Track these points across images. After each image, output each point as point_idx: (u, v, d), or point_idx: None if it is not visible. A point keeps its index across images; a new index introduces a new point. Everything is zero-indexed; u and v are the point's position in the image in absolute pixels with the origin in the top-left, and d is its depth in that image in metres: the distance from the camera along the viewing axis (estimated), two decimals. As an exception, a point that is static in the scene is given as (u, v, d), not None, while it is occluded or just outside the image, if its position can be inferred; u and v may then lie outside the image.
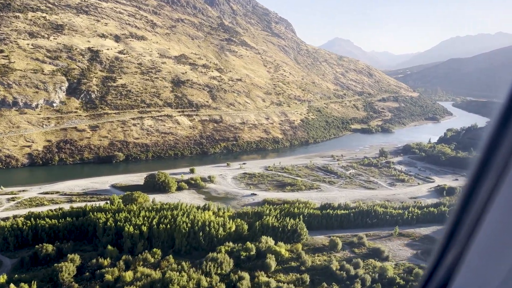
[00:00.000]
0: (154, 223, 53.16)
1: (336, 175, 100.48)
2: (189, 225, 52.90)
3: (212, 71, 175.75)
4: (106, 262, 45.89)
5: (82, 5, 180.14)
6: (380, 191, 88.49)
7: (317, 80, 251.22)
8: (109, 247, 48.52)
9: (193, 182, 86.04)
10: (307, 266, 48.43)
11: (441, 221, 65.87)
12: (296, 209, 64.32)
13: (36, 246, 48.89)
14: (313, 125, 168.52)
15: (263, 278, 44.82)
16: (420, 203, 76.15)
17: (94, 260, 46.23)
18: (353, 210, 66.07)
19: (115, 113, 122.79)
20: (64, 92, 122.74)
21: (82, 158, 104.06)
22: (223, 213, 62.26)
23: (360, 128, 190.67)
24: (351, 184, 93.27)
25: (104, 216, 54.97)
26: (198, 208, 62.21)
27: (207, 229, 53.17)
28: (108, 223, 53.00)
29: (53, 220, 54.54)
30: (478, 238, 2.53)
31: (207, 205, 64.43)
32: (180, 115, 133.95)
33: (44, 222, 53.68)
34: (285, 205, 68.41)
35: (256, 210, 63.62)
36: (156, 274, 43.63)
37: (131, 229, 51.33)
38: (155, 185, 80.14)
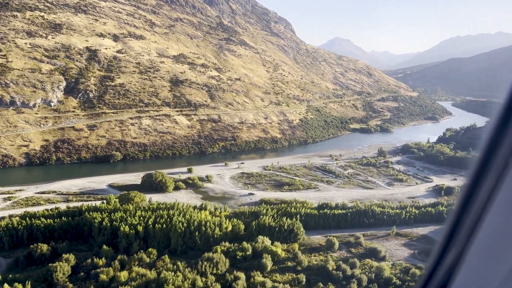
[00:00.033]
0: (150, 222, 52.91)
1: (334, 175, 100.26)
2: (185, 224, 52.66)
3: (210, 71, 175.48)
4: (101, 262, 45.67)
5: (80, 5, 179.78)
6: (378, 191, 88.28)
7: (316, 80, 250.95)
8: (104, 247, 48.28)
9: (190, 181, 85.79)
10: (304, 266, 48.18)
11: (439, 221, 65.67)
12: (293, 208, 64.08)
13: (31, 246, 48.64)
14: (312, 125, 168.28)
15: (259, 278, 44.58)
16: (418, 203, 75.92)
17: (89, 260, 46.00)
18: (350, 209, 65.84)
19: (113, 113, 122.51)
20: (62, 91, 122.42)
21: (80, 158, 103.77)
22: (220, 212, 62.03)
23: (359, 128, 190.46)
24: (349, 184, 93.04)
25: (100, 215, 54.71)
26: (194, 207, 61.97)
27: (203, 228, 52.93)
28: (104, 223, 52.73)
29: (48, 220, 54.28)
30: (478, 238, 2.51)
31: (203, 205, 64.19)
32: (178, 115, 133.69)
33: (40, 222, 53.42)
34: (282, 204, 68.19)
35: (253, 210, 63.39)
36: (151, 274, 43.40)
37: (127, 228, 51.08)
38: (152, 185, 79.89)
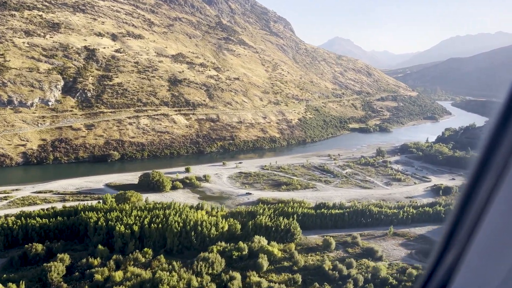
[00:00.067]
0: (145, 222, 52.68)
1: (333, 175, 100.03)
2: (181, 224, 52.44)
3: (209, 70, 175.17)
4: (96, 261, 45.46)
5: (79, 4, 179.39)
6: (376, 191, 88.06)
7: (315, 79, 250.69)
8: (100, 246, 48.05)
9: (188, 181, 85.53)
10: (300, 266, 48.00)
11: (437, 221, 65.47)
12: (290, 208, 63.88)
13: (26, 245, 48.41)
14: (311, 124, 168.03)
15: (254, 278, 44.36)
16: (416, 202, 75.72)
17: (84, 260, 45.79)
18: (347, 209, 65.64)
19: (111, 112, 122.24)
20: (59, 90, 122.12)
21: (77, 157, 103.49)
22: (217, 212, 61.84)
23: (358, 128, 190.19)
24: (347, 184, 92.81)
25: (96, 215, 54.48)
26: (191, 207, 61.75)
27: (199, 228, 52.70)
28: (99, 223, 52.50)
29: (44, 220, 54.05)
30: (478, 238, 2.52)
31: (200, 205, 63.94)
32: (176, 114, 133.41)
33: (35, 222, 53.19)
34: (280, 204, 67.97)
35: (249, 210, 63.16)
36: (146, 274, 43.17)
37: (122, 228, 50.86)
38: (149, 184, 79.64)
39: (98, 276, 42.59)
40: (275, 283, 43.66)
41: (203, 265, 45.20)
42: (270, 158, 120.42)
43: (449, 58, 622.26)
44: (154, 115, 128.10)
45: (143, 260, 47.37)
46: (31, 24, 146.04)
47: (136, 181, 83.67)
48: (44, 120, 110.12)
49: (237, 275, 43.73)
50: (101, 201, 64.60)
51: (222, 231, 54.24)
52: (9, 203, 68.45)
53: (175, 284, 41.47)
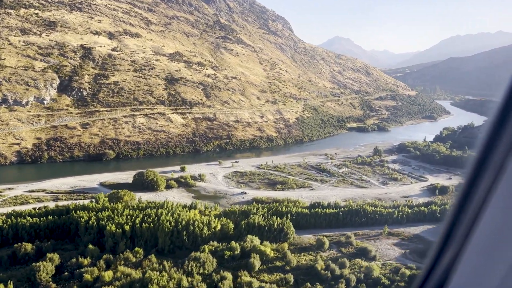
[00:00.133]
0: (137, 222, 52.17)
1: (329, 174, 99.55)
2: (172, 224, 51.92)
3: (206, 69, 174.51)
4: (86, 261, 44.95)
5: (75, 2, 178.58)
6: (372, 190, 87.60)
7: (313, 79, 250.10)
8: (90, 246, 47.56)
9: (183, 180, 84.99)
10: (292, 265, 47.53)
11: (432, 220, 65.06)
12: (284, 208, 63.40)
13: (15, 245, 47.90)
14: (308, 124, 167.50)
15: (246, 278, 43.89)
16: (412, 202, 75.24)
17: (74, 260, 45.27)
18: (342, 209, 65.18)
19: (106, 111, 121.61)
20: (55, 89, 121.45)
21: (72, 156, 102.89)
22: (210, 212, 61.36)
23: (356, 127, 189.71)
24: (343, 183, 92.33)
25: (87, 214, 53.96)
26: (184, 206, 61.24)
27: (191, 228, 52.20)
28: (90, 222, 52.00)
29: (34, 219, 53.49)
30: (476, 237, 2.54)
31: (193, 204, 63.44)
32: (173, 113, 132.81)
33: (25, 221, 52.62)
34: (274, 204, 67.47)
35: (243, 209, 62.66)
36: (136, 274, 42.68)
37: (113, 228, 50.34)
38: (143, 184, 79.11)
39: (87, 276, 42.11)
40: (267, 283, 43.19)
41: (194, 265, 44.74)
42: (266, 157, 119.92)
43: (449, 58, 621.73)
44: (150, 114, 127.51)
45: (134, 259, 46.86)
46: (27, 22, 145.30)
47: (130, 180, 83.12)
48: (39, 119, 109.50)
49: (228, 275, 43.26)
50: (93, 200, 64.05)
51: (215, 230, 53.75)
52: (1, 202, 67.90)
53: (165, 284, 40.99)
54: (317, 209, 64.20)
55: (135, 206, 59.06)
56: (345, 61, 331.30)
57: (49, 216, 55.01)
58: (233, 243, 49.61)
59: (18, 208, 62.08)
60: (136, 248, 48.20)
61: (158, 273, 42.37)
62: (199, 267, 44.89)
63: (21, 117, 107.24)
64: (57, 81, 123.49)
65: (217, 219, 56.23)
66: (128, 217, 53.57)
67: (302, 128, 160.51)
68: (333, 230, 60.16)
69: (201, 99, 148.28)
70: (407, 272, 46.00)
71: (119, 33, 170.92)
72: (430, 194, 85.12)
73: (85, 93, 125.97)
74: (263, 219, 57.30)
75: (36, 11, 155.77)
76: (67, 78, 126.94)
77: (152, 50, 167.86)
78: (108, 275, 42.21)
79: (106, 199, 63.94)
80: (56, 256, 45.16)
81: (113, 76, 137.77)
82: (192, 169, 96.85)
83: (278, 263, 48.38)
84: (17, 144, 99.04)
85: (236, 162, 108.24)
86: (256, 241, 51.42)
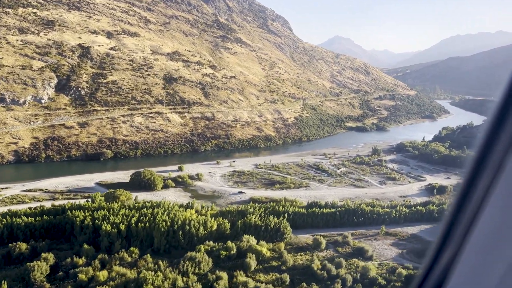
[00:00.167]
0: (133, 221, 51.93)
1: (327, 173, 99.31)
2: (168, 223, 51.68)
3: (205, 68, 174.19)
4: (81, 261, 44.72)
5: (74, 1, 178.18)
6: (370, 190, 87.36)
7: (313, 78, 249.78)
8: (85, 245, 47.31)
9: (180, 180, 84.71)
10: (288, 265, 47.30)
11: (429, 220, 64.85)
12: (281, 207, 63.16)
13: (10, 244, 47.64)
14: (307, 123, 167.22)
15: (241, 278, 43.66)
16: (409, 201, 75.01)
17: (69, 259, 45.05)
18: (339, 208, 64.95)
19: (104, 110, 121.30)
20: (53, 88, 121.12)
21: (70, 155, 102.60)
22: (206, 211, 61.11)
23: (355, 126, 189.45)
24: (341, 182, 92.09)
25: (83, 214, 53.71)
26: (181, 206, 60.98)
27: (187, 227, 51.95)
28: (86, 221, 51.74)
29: (30, 218, 53.23)
30: (475, 236, 2.54)
31: (190, 203, 63.18)
32: (171, 112, 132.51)
33: (20, 220, 52.34)
34: (271, 203, 67.21)
35: (240, 209, 62.42)
36: (131, 274, 42.46)
37: (109, 227, 50.10)
38: (140, 183, 78.83)
39: (82, 276, 41.87)
40: (262, 283, 42.96)
41: (190, 264, 44.49)
42: (265, 156, 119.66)
43: (448, 57, 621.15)
44: (148, 113, 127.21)
45: (129, 259, 46.63)
46: (25, 21, 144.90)
47: (127, 180, 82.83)
48: (36, 118, 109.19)
49: (224, 275, 43.04)
50: (89, 199, 63.78)
51: (211, 230, 53.51)
52: (-3, 202, 67.59)
53: (160, 284, 40.76)
54: (314, 209, 63.96)
55: (131, 206, 58.80)
56: (344, 60, 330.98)
57: (44, 215, 54.76)
58: (229, 243, 49.36)
59: (14, 207, 61.76)
60: (132, 248, 47.98)
61: (153, 273, 42.15)
62: (194, 267, 44.64)
63: (19, 116, 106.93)
64: (55, 80, 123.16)
65: (213, 218, 56.00)
66: (124, 216, 53.32)
67: (301, 127, 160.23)
68: (330, 230, 59.92)
69: (199, 99, 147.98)
70: (404, 272, 45.78)
71: (118, 32, 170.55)
72: (428, 194, 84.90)
73: (83, 92, 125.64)
74: (259, 218, 57.06)
75: (34, 10, 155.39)
76: (65, 77, 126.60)
77: (150, 50, 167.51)
78: (102, 275, 41.99)
79: (103, 198, 63.70)
80: (51, 256, 44.94)
81: (111, 75, 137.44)
82: (190, 169, 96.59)
83: (274, 263, 48.15)
84: (15, 143, 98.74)
85: (234, 161, 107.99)
86: (253, 241, 51.20)
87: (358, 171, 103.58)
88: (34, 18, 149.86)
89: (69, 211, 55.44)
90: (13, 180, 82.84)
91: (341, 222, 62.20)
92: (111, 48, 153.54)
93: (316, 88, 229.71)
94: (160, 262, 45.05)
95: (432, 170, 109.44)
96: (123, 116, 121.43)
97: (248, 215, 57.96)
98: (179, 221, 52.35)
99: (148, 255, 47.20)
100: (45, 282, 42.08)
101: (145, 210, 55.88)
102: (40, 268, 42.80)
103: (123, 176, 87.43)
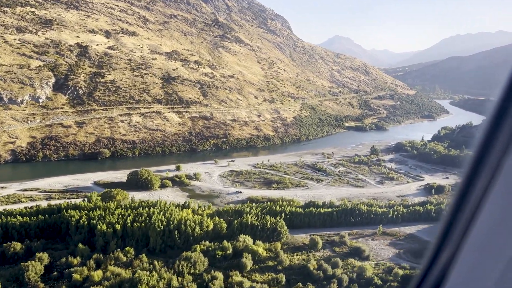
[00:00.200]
0: (128, 221, 51.65)
1: (325, 173, 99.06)
2: (164, 223, 51.42)
3: (204, 68, 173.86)
4: (76, 261, 44.47)
5: (72, 0, 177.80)
6: (368, 189, 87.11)
7: (312, 78, 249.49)
8: (80, 245, 47.04)
9: (177, 179, 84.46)
10: (285, 265, 47.04)
11: (427, 220, 64.58)
12: (278, 207, 62.90)
13: (4, 244, 47.38)
14: (306, 123, 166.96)
15: (237, 278, 43.42)
16: (407, 201, 74.76)
17: (64, 259, 44.80)
18: (337, 208, 64.67)
19: (102, 110, 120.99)
20: (50, 88, 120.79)
21: (67, 155, 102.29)
22: (203, 211, 60.86)
23: (354, 126, 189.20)
24: (339, 182, 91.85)
25: (78, 213, 53.45)
26: (177, 206, 60.73)
27: (183, 227, 51.69)
28: (81, 221, 51.48)
29: (25, 218, 52.96)
30: (473, 235, 2.56)
31: (187, 203, 62.92)
32: (169, 112, 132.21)
33: (15, 220, 52.08)
34: (268, 203, 66.96)
35: (237, 208, 62.16)
36: (126, 274, 42.20)
37: (104, 227, 49.83)
38: (137, 183, 78.59)
39: (76, 276, 41.62)
40: (258, 283, 42.72)
41: (185, 264, 44.23)
42: (263, 156, 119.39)
43: (448, 57, 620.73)
44: (147, 112, 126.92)
45: (125, 259, 46.37)
46: (23, 20, 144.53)
47: (125, 179, 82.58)
48: (34, 117, 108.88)
49: (219, 275, 42.79)
50: (86, 199, 63.52)
51: (207, 230, 53.25)
52: (-7, 201, 67.30)
53: (155, 284, 40.51)
54: (311, 209, 63.68)
55: (127, 205, 58.54)
56: (344, 60, 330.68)
57: (40, 215, 54.48)
58: (225, 243, 49.12)
59: (10, 207, 61.50)
60: (127, 248, 47.71)
61: (148, 272, 41.89)
62: (190, 266, 44.38)
63: (16, 115, 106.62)
64: (53, 80, 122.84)
65: (209, 218, 55.75)
66: (120, 216, 53.06)
67: (300, 127, 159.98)
68: (327, 229, 59.66)
69: (198, 98, 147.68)
70: (400, 272, 45.54)
71: (116, 31, 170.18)
72: (426, 194, 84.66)
73: (81, 91, 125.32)
74: (256, 218, 56.79)
75: (33, 9, 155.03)
76: (63, 76, 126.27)
77: (149, 49, 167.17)
78: (97, 274, 41.74)
79: (99, 198, 63.45)
80: (45, 256, 44.68)
81: (109, 74, 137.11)
82: (188, 168, 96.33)
83: (270, 263, 47.90)
84: (12, 142, 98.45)
85: (232, 161, 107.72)
86: (249, 240, 50.92)
87: (356, 170, 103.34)
88: (32, 17, 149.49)
89: (64, 210, 55.18)
90: (9, 179, 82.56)
91: (338, 221, 61.94)
92: (110, 48, 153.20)
93: (315, 88, 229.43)
94: (155, 262, 44.80)
95: (430, 170, 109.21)
96: (121, 115, 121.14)
97: (244, 215, 57.69)
98: (175, 221, 52.10)
99: (144, 255, 46.95)
100: (39, 282, 41.83)
101: (141, 209, 55.62)
102: (35, 268, 42.55)
103: (121, 175, 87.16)
